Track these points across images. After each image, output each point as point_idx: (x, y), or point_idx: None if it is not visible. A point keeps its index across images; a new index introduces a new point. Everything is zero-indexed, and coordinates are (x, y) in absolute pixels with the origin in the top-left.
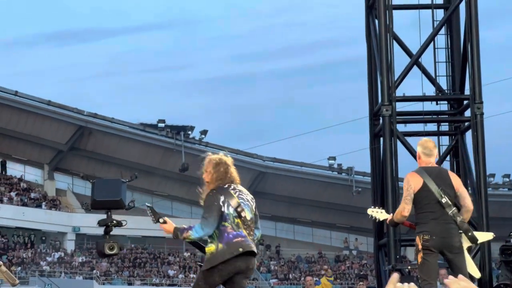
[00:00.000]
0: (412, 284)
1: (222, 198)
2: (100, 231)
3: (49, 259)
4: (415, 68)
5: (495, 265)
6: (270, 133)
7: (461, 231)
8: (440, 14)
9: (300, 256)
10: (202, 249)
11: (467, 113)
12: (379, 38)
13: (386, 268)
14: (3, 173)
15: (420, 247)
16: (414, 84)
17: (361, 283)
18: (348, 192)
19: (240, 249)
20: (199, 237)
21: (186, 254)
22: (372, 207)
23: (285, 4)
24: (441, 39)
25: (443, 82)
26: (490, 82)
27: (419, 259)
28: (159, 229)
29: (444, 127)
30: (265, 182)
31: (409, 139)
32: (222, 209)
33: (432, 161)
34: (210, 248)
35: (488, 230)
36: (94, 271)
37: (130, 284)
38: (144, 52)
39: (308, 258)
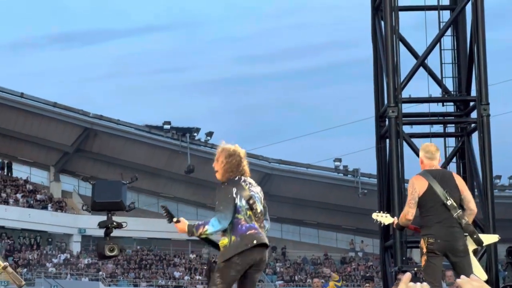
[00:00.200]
0: (425, 284)
1: (234, 190)
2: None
3: (55, 260)
4: (421, 69)
5: (502, 267)
6: (275, 134)
7: (466, 234)
8: (446, 15)
9: (306, 258)
10: (215, 245)
11: (473, 114)
12: (385, 39)
13: (392, 270)
14: (9, 174)
15: (424, 250)
16: (420, 86)
17: (367, 285)
18: (354, 194)
19: (254, 241)
20: (216, 231)
21: (192, 256)
22: (377, 211)
23: (290, 5)
24: (447, 41)
25: (449, 84)
26: (497, 83)
27: (423, 262)
28: (165, 231)
29: (450, 128)
30: (271, 183)
31: (415, 141)
32: (235, 201)
33: (435, 164)
34: (223, 241)
35: (494, 232)
36: (100, 273)
37: (136, 285)
38: (149, 53)
39: (314, 260)
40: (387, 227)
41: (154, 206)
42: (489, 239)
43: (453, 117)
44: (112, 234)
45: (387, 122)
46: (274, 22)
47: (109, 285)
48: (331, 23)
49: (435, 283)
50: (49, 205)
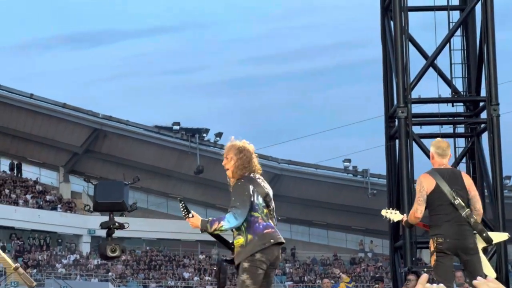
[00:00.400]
0: (441, 285)
1: (251, 188)
2: (115, 234)
3: (64, 261)
4: (430, 70)
5: (511, 267)
6: (284, 135)
7: (475, 232)
8: (456, 15)
9: (316, 259)
10: (225, 242)
11: (483, 115)
12: (394, 40)
13: (402, 270)
14: (19, 175)
15: (433, 250)
16: (430, 86)
17: (376, 285)
18: (364, 194)
19: (272, 240)
20: (232, 227)
21: (201, 257)
22: (386, 208)
23: (298, 6)
24: (457, 41)
25: (459, 84)
26: (506, 81)
27: (433, 262)
28: (174, 232)
29: (460, 129)
30: (280, 184)
31: (425, 141)
32: (252, 199)
33: (445, 162)
34: (239, 240)
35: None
36: (110, 274)
37: (145, 286)
38: (158, 54)
39: (324, 261)
40: (397, 227)
41: (164, 207)
42: (498, 237)
43: (462, 118)
44: (121, 235)
45: (396, 123)
46: (282, 23)
47: (119, 286)
48: (340, 23)
49: (446, 283)
50: (59, 206)
